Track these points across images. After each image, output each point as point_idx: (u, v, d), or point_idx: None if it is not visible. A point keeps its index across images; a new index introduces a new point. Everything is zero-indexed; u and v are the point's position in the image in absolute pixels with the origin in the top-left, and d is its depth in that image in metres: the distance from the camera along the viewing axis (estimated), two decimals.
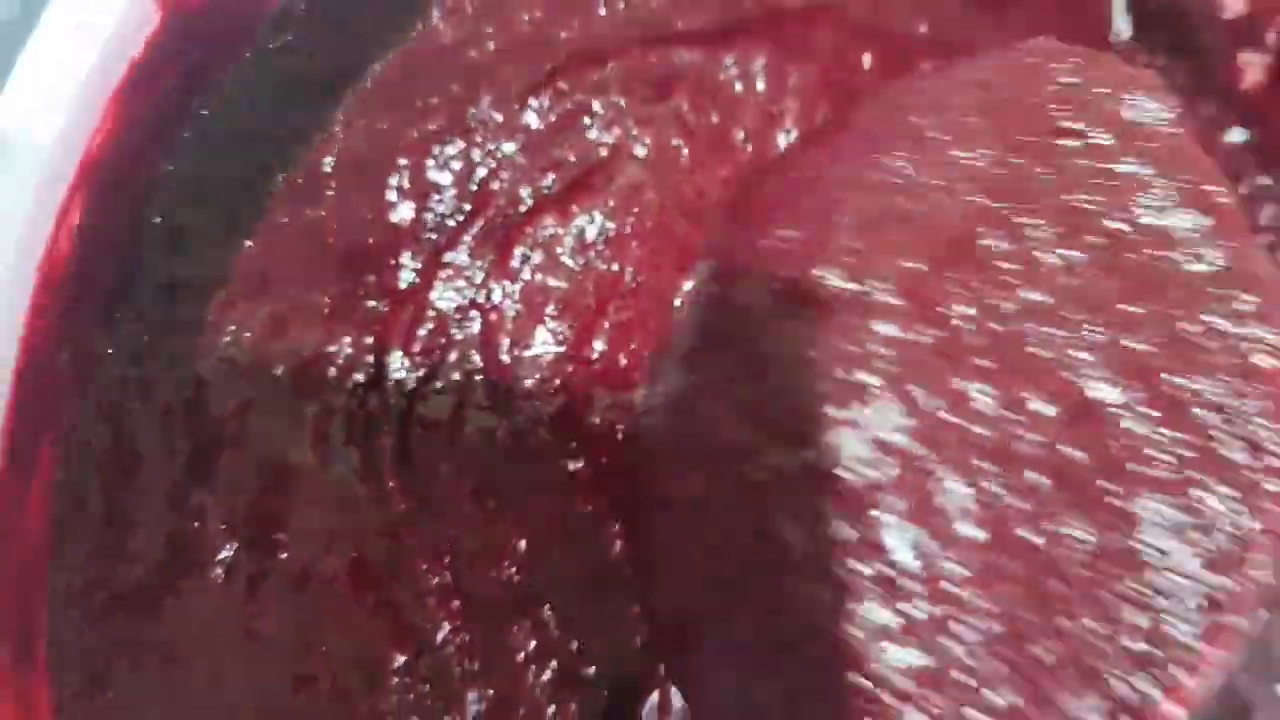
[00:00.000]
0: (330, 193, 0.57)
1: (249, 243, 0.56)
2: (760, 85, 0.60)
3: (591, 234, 0.59)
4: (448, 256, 0.58)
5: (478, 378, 0.57)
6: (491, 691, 0.55)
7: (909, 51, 0.63)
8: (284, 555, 0.54)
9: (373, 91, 0.58)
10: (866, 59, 0.62)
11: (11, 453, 0.43)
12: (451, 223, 0.58)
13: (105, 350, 0.51)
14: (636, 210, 0.59)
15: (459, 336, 0.57)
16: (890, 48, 0.62)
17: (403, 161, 0.58)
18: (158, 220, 0.54)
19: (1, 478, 0.42)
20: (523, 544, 0.56)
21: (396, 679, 0.54)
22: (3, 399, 0.42)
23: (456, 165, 0.58)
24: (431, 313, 0.57)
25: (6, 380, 0.42)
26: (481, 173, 0.58)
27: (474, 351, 0.57)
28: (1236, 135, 0.65)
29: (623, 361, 0.58)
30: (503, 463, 0.56)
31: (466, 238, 0.58)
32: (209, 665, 0.52)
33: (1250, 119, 0.64)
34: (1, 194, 0.42)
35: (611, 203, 0.59)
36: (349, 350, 0.56)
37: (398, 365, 0.57)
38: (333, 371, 0.56)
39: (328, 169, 0.57)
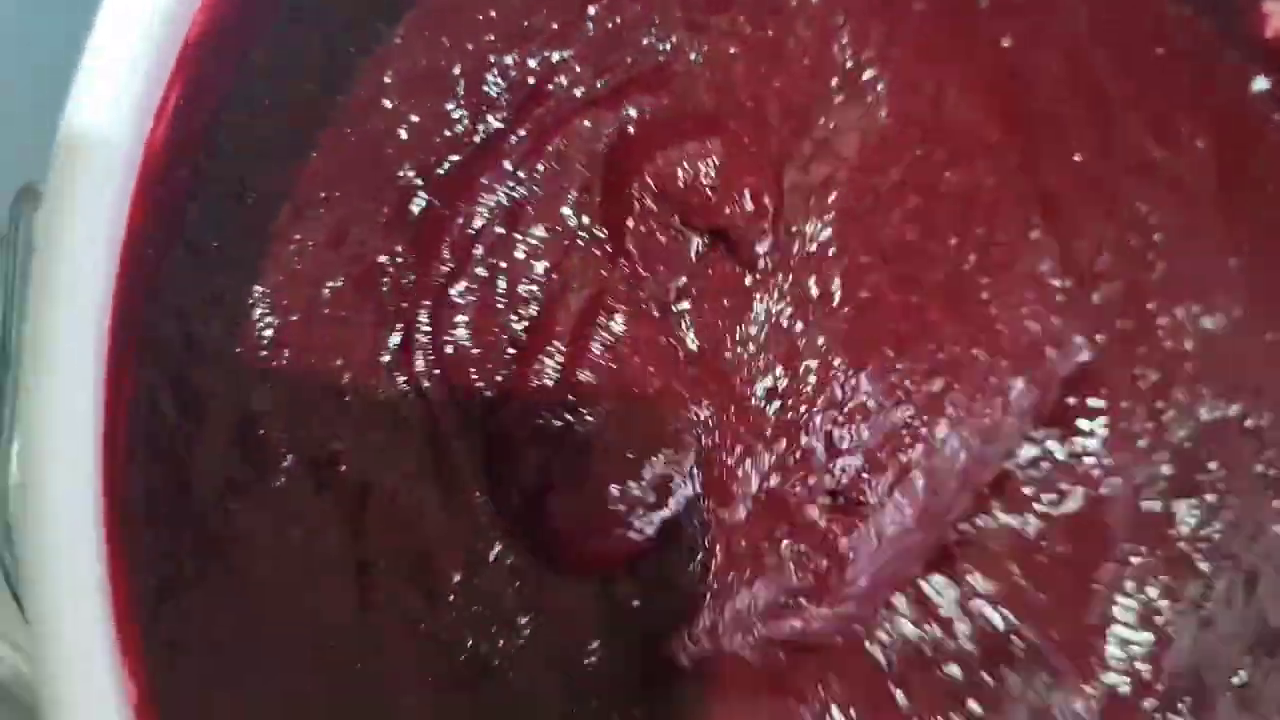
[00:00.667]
0: (389, 105, 0.56)
1: (314, 154, 0.55)
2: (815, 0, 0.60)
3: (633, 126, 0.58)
4: (497, 161, 0.57)
5: (501, 277, 0.56)
6: (542, 616, 0.55)
7: None
8: (343, 468, 0.53)
9: (432, 6, 0.57)
10: None
11: (111, 349, 0.42)
12: (499, 124, 0.57)
13: (178, 251, 0.50)
14: (690, 109, 0.58)
15: (493, 231, 0.57)
16: None
17: (458, 72, 0.57)
18: (230, 129, 0.53)
19: (107, 378, 0.41)
20: None
21: (453, 597, 0.54)
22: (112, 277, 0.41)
23: (512, 74, 0.57)
24: (472, 214, 0.56)
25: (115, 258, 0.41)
26: (535, 80, 0.58)
27: (500, 247, 0.57)
28: (1260, 84, 0.66)
29: None
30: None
31: (515, 140, 0.57)
32: (274, 578, 0.52)
33: (1274, 68, 0.65)
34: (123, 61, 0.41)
35: (665, 100, 0.58)
36: (399, 260, 0.55)
37: (435, 269, 0.56)
38: (386, 281, 0.55)
39: (388, 81, 0.56)
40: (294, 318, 0.53)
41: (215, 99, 0.51)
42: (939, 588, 0.56)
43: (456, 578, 0.54)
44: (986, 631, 0.56)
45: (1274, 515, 0.58)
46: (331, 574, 0.53)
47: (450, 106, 0.57)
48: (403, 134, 0.56)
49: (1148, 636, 0.57)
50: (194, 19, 0.46)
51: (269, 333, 0.53)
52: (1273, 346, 0.60)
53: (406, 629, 0.53)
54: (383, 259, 0.55)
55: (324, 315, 0.54)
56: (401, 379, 0.55)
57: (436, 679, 0.53)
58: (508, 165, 0.56)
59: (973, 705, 0.55)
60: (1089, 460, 0.58)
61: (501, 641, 0.54)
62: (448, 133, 0.56)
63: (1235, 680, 0.57)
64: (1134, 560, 0.57)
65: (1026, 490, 0.57)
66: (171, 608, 0.50)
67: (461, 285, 0.55)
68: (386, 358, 0.55)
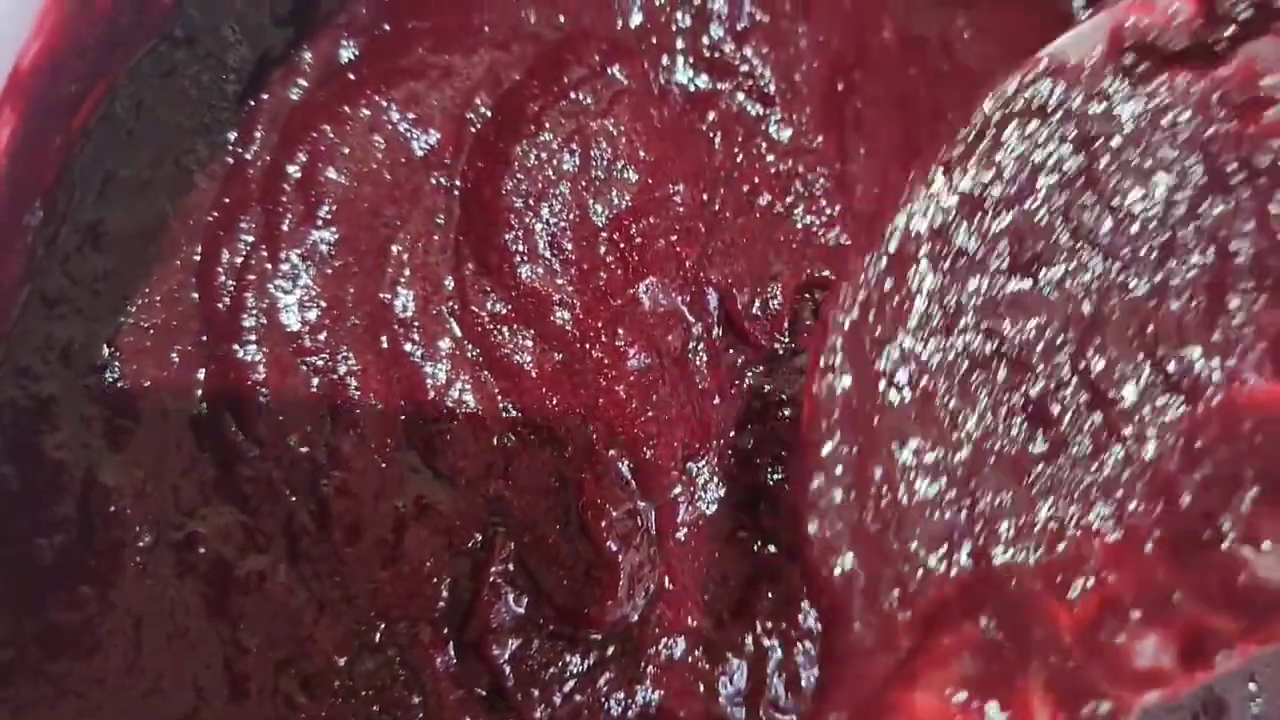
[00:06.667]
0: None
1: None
2: None
3: None
4: None
5: None
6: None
7: None
8: (202, 550, 0.48)
9: None
10: None
11: None
12: None
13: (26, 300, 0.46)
14: None
15: None
16: None
17: None
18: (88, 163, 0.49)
19: None
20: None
21: (338, 683, 0.49)
22: None
23: None
24: None
25: None
26: None
27: None
28: None
29: None
30: None
31: None
32: (131, 657, 0.47)
33: None
34: None
35: None
36: None
37: None
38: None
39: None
40: (150, 380, 0.48)
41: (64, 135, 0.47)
42: None
43: (341, 661, 0.49)
44: None
45: None
46: (197, 664, 0.48)
47: None
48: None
49: None
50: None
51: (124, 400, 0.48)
52: None
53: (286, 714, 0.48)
54: None
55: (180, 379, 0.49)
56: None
57: None
58: None
59: None
60: None
61: None
62: None
63: None
64: None
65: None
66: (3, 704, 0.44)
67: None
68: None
